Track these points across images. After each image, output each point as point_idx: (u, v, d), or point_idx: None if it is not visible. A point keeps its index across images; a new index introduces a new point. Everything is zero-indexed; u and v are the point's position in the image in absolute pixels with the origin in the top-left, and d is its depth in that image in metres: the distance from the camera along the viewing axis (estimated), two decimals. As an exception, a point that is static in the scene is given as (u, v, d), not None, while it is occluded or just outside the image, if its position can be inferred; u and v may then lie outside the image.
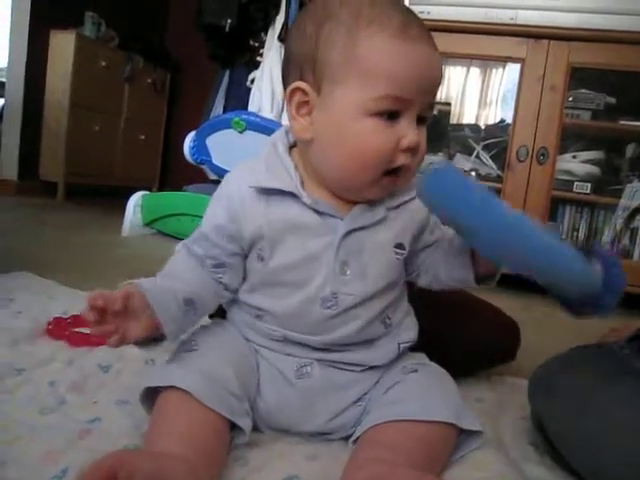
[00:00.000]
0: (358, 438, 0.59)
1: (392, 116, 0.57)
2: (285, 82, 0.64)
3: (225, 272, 0.65)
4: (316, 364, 0.64)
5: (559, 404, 0.64)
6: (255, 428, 0.63)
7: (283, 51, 2.41)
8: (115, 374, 0.77)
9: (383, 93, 0.56)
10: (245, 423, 0.59)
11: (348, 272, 0.62)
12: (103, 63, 3.36)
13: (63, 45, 3.17)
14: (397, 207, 0.65)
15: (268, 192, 0.62)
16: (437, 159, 2.10)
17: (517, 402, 0.82)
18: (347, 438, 0.63)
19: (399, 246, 0.65)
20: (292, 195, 0.61)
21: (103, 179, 3.58)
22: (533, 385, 0.72)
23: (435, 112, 2.25)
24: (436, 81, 0.60)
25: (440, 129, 2.24)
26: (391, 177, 0.60)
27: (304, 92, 0.60)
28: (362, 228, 0.63)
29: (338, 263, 0.62)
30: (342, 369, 0.64)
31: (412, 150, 0.59)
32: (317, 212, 0.62)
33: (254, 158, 0.66)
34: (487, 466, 0.62)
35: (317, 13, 0.60)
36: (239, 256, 0.65)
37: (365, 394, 0.65)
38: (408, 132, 0.57)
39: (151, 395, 0.59)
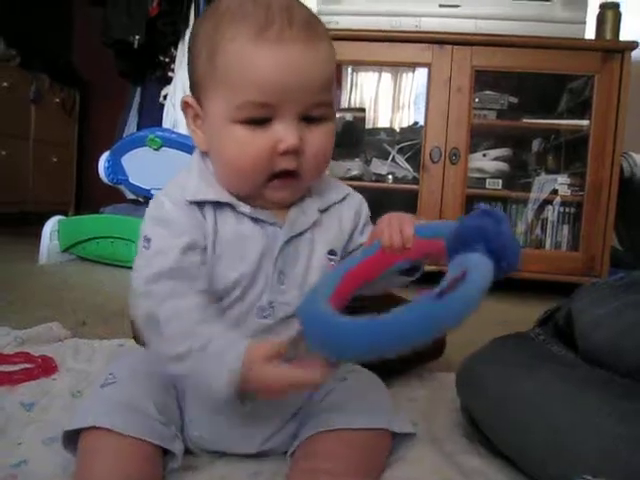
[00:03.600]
0: (295, 451, 0.60)
1: (261, 122, 0.56)
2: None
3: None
4: None
5: (483, 395, 0.67)
6: (189, 452, 0.62)
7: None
8: (40, 411, 0.74)
9: (243, 100, 0.56)
10: (176, 447, 0.58)
11: (285, 281, 0.62)
12: (5, 84, 3.20)
13: (-41, 67, 3.00)
14: (327, 209, 0.65)
15: (205, 205, 0.60)
16: (354, 164, 2.13)
17: (448, 396, 0.84)
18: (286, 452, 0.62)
19: (331, 252, 0.65)
20: (230, 206, 0.61)
21: (15, 206, 3.40)
22: (460, 379, 0.75)
23: (350, 118, 2.29)
24: (309, 79, 0.56)
25: (356, 135, 2.28)
26: (280, 180, 0.59)
27: (192, 106, 0.62)
28: (299, 234, 0.62)
29: (277, 272, 0.61)
30: None
31: (293, 153, 0.57)
32: (255, 221, 0.61)
33: (181, 173, 0.64)
34: (424, 462, 0.64)
35: (194, 28, 0.64)
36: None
37: (300, 408, 0.64)
38: (285, 135, 0.56)
39: (73, 436, 0.56)
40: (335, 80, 0.62)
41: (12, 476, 0.56)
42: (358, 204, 0.69)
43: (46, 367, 0.88)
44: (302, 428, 0.62)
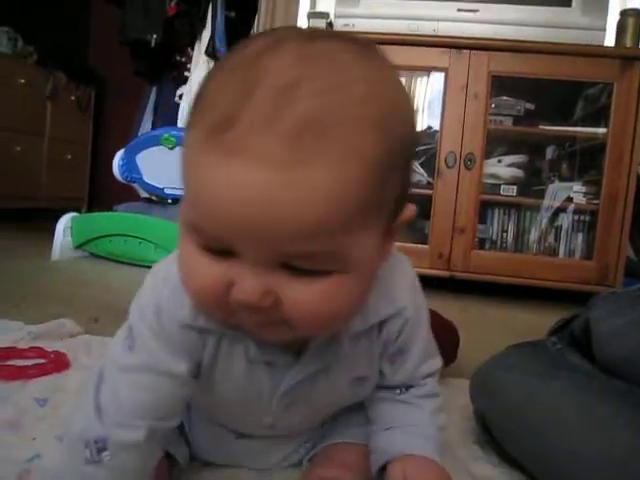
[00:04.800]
0: (311, 458, 0.59)
1: (221, 252, 0.37)
2: None
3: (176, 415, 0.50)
4: None
5: (499, 403, 0.67)
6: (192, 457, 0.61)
7: (212, 64, 2.40)
8: (54, 407, 0.73)
9: (193, 222, 0.38)
10: (180, 452, 0.56)
11: (292, 410, 0.53)
12: (22, 80, 3.23)
13: (-23, 63, 3.02)
14: (357, 336, 0.50)
15: (207, 331, 0.47)
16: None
17: (461, 403, 0.84)
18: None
19: (360, 379, 0.53)
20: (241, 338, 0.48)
21: (28, 202, 3.43)
22: (474, 385, 0.74)
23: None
24: (282, 220, 0.34)
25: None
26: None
27: None
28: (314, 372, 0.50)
29: (282, 405, 0.52)
30: None
31: (256, 309, 0.37)
32: (267, 363, 0.49)
33: None
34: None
35: None
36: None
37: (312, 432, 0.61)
38: (241, 281, 0.37)
39: None
40: (361, 224, 0.37)
41: (26, 471, 0.56)
42: (401, 324, 0.52)
43: (59, 363, 0.89)
44: (320, 439, 0.60)
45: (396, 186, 0.39)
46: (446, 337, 0.94)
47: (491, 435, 0.69)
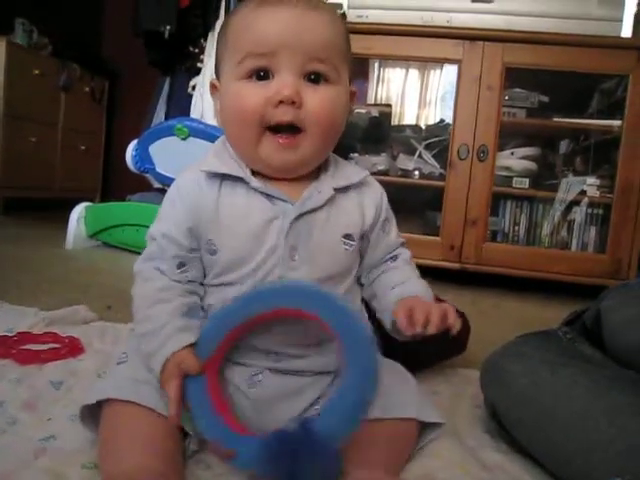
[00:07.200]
0: None
1: (263, 76, 0.60)
2: None
3: (188, 269, 0.64)
4: (267, 372, 0.62)
5: (509, 391, 0.67)
6: None
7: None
8: (67, 390, 0.75)
9: (243, 54, 0.60)
10: (189, 426, 0.58)
11: (296, 257, 0.62)
12: (37, 72, 3.24)
13: (-7, 53, 3.04)
14: (346, 190, 0.66)
15: (218, 177, 0.63)
16: (380, 159, 2.13)
17: (471, 392, 0.84)
18: None
19: (347, 237, 0.65)
20: (242, 181, 0.63)
21: (43, 192, 3.46)
22: (484, 375, 0.75)
23: (376, 114, 2.29)
24: (307, 36, 0.59)
25: (382, 130, 2.27)
26: (276, 134, 0.61)
27: (215, 85, 0.67)
28: (312, 211, 0.63)
29: (287, 248, 0.62)
30: (293, 375, 0.62)
31: (288, 104, 0.59)
32: (267, 196, 0.62)
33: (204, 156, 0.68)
34: (445, 455, 0.64)
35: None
36: (197, 252, 0.64)
37: (319, 398, 0.62)
38: (281, 87, 0.59)
39: (92, 412, 0.58)
40: (346, 55, 0.64)
41: (42, 450, 0.58)
42: (379, 197, 0.70)
43: (73, 348, 0.90)
44: None
45: (350, 58, 0.66)
46: (457, 327, 0.94)
47: (501, 424, 0.69)
